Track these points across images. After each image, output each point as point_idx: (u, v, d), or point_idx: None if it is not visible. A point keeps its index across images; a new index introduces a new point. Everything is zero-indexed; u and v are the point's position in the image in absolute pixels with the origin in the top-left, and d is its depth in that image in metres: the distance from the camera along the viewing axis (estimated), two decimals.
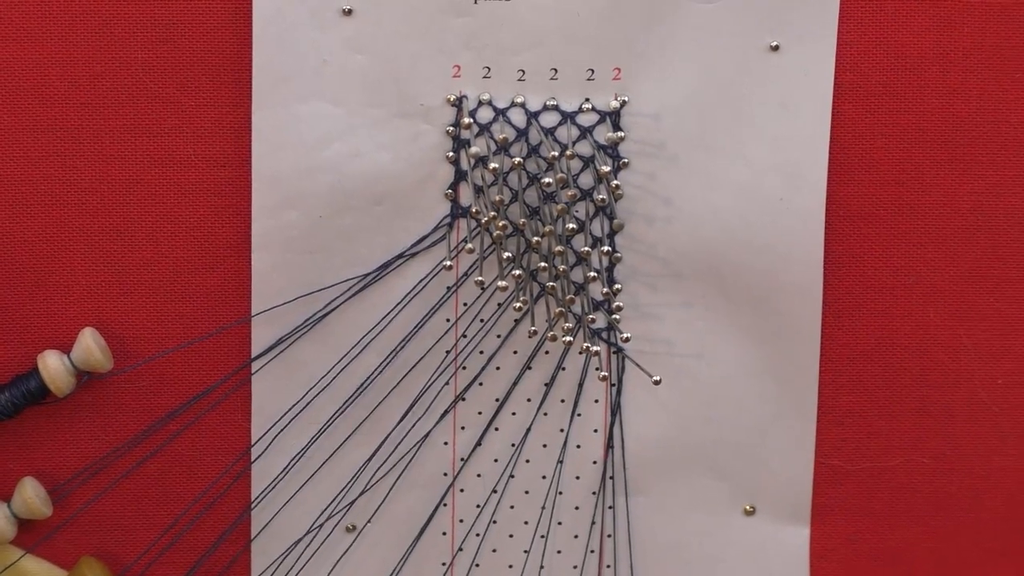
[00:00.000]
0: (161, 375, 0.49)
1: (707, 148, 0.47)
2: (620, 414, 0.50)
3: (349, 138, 0.47)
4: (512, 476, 0.50)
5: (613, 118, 0.47)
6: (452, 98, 0.47)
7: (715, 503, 0.50)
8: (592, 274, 0.47)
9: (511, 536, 0.51)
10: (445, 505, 0.50)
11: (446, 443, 0.50)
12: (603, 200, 0.47)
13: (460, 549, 0.51)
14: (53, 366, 0.47)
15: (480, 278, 0.47)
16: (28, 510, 0.48)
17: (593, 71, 0.47)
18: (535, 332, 0.47)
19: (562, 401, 0.50)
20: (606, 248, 0.47)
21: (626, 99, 0.47)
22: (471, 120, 0.47)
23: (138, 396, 0.49)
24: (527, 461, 0.50)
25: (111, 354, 0.48)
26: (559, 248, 0.47)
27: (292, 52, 0.46)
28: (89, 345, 0.47)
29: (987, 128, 0.48)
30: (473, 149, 0.46)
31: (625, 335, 0.48)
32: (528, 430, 0.50)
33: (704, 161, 0.47)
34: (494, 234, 0.47)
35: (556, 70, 0.47)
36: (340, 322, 0.48)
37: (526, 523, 0.51)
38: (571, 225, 0.46)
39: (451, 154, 0.47)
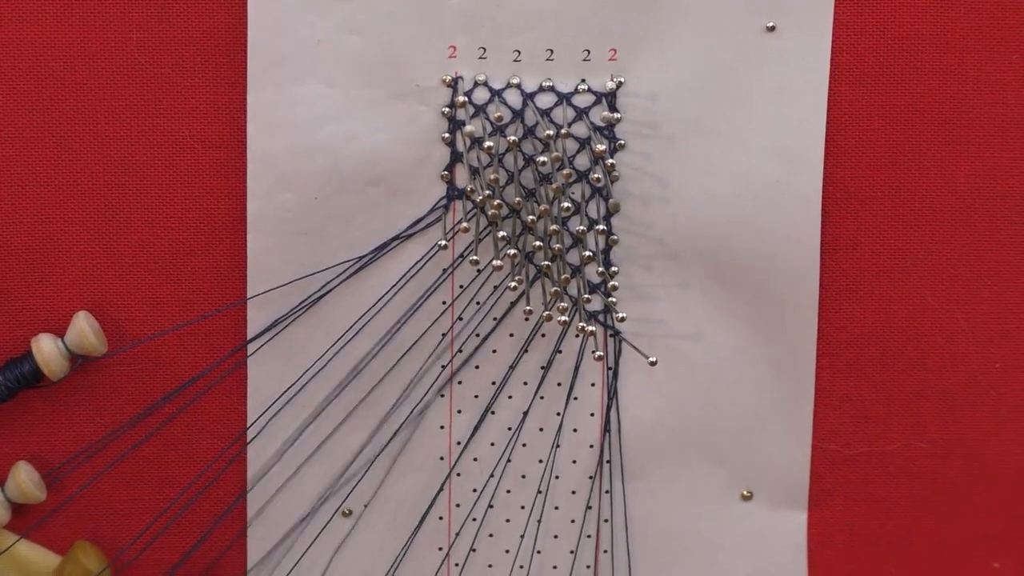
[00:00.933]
0: (156, 358, 0.49)
1: (703, 130, 0.47)
2: (616, 398, 0.49)
3: (344, 119, 0.47)
4: (509, 460, 0.50)
5: (609, 99, 0.47)
6: (448, 79, 0.47)
7: (712, 488, 0.50)
8: (588, 254, 0.47)
9: (507, 520, 0.51)
10: (441, 489, 0.50)
11: (442, 427, 0.50)
12: (599, 181, 0.47)
13: (457, 533, 0.51)
14: (47, 349, 0.47)
15: (475, 257, 0.47)
16: (22, 494, 0.48)
17: (589, 52, 0.47)
18: (531, 312, 0.47)
19: (558, 384, 0.49)
20: (602, 228, 0.47)
21: (622, 80, 0.47)
22: (467, 100, 0.47)
23: (133, 379, 0.49)
24: (524, 445, 0.50)
25: (105, 337, 0.48)
26: (554, 228, 0.46)
27: (287, 33, 0.46)
28: (83, 328, 0.47)
29: (985, 110, 0.48)
30: (468, 129, 0.46)
31: (620, 315, 0.47)
32: (525, 414, 0.50)
33: (700, 143, 0.47)
34: (489, 214, 0.47)
35: (552, 51, 0.47)
36: (336, 304, 0.48)
37: (523, 507, 0.51)
38: (567, 205, 0.46)
39: (447, 135, 0.47)
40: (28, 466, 0.49)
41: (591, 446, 0.50)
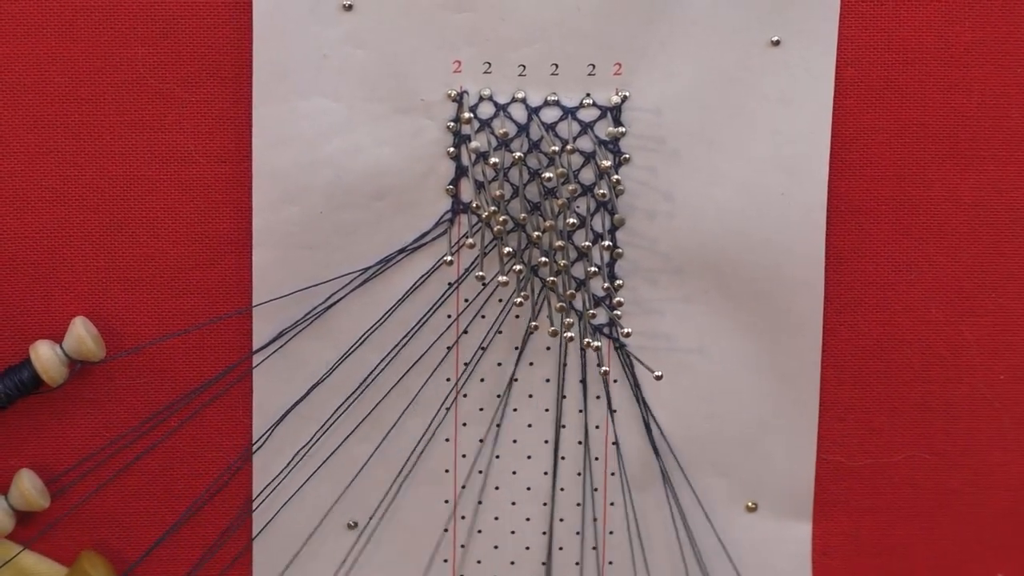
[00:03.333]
0: (160, 368, 0.49)
1: (708, 143, 0.47)
2: (619, 411, 0.50)
3: (349, 134, 0.47)
4: (514, 472, 0.50)
5: (614, 113, 0.47)
6: (453, 93, 0.47)
7: (717, 499, 0.50)
8: (593, 269, 0.47)
9: (512, 532, 0.51)
10: (447, 502, 0.50)
11: (448, 439, 0.50)
12: (604, 195, 0.47)
13: (462, 545, 0.51)
14: (45, 356, 0.47)
15: (481, 273, 0.47)
16: (25, 502, 0.48)
17: (594, 66, 0.47)
18: (536, 327, 0.47)
19: (564, 397, 0.50)
20: (607, 243, 0.47)
21: (627, 94, 0.47)
22: (472, 115, 0.47)
23: (137, 390, 0.49)
24: (528, 457, 0.50)
25: (103, 343, 0.48)
26: (560, 243, 0.47)
27: (293, 47, 0.46)
28: (81, 334, 0.47)
29: (989, 123, 0.48)
30: (474, 144, 0.46)
31: (626, 330, 0.48)
32: (529, 426, 0.50)
33: (705, 156, 0.47)
34: (495, 229, 0.47)
35: (557, 65, 0.47)
36: (341, 318, 0.48)
37: (528, 519, 0.51)
38: (572, 220, 0.46)
39: (452, 149, 0.47)
40: (31, 474, 0.49)
41: (596, 458, 0.50)
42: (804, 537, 0.51)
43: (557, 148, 0.46)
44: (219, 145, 0.47)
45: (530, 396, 0.50)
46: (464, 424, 0.50)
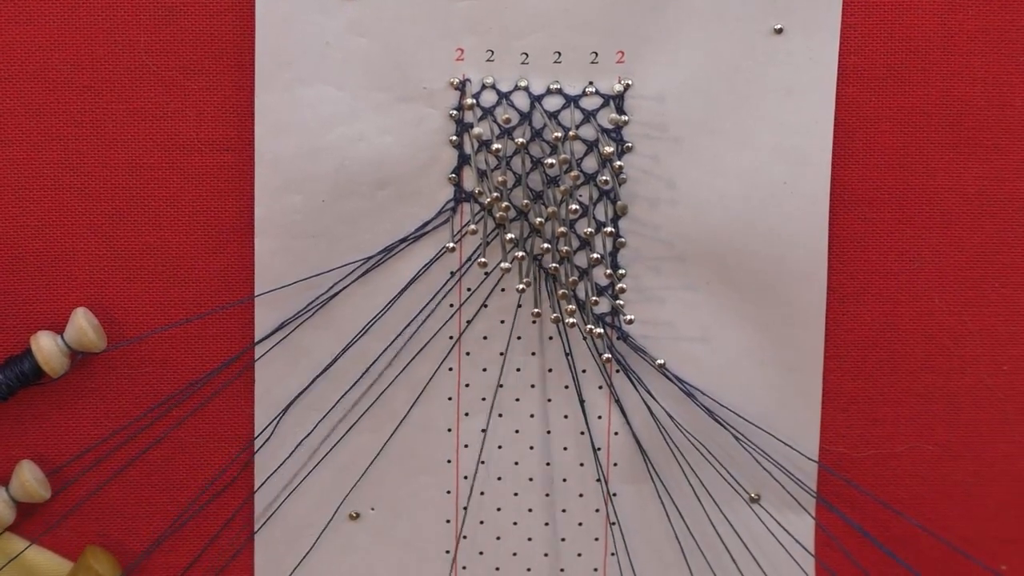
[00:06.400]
0: (162, 359, 0.49)
1: (711, 131, 0.47)
2: (623, 400, 0.49)
3: (352, 122, 0.47)
4: (516, 463, 0.50)
5: (617, 101, 0.47)
6: (455, 81, 0.47)
7: (719, 490, 0.50)
8: (595, 256, 0.47)
9: (515, 524, 0.51)
10: (449, 492, 0.50)
11: (450, 430, 0.50)
12: (606, 183, 0.47)
13: (464, 536, 0.51)
14: (46, 346, 0.47)
15: (483, 259, 0.47)
16: (26, 493, 0.48)
17: (597, 54, 0.47)
18: (538, 314, 0.47)
19: (566, 387, 0.49)
20: (609, 231, 0.47)
21: (630, 82, 0.47)
22: (474, 102, 0.47)
23: (138, 380, 0.49)
24: (531, 448, 0.50)
25: (104, 333, 0.48)
26: (562, 230, 0.47)
27: (295, 35, 0.46)
28: (82, 325, 0.47)
29: (992, 112, 0.48)
30: (476, 131, 0.46)
31: (628, 317, 0.47)
32: (532, 416, 0.50)
33: (708, 144, 0.47)
34: (497, 216, 0.47)
35: (560, 53, 0.47)
36: (343, 307, 0.48)
37: (530, 510, 0.50)
38: (574, 207, 0.46)
39: (454, 138, 0.47)
40: (31, 465, 0.49)
41: (598, 448, 0.50)
42: (807, 528, 0.51)
43: (560, 136, 0.46)
44: (221, 133, 0.47)
45: (532, 386, 0.49)
46: (466, 414, 0.50)
